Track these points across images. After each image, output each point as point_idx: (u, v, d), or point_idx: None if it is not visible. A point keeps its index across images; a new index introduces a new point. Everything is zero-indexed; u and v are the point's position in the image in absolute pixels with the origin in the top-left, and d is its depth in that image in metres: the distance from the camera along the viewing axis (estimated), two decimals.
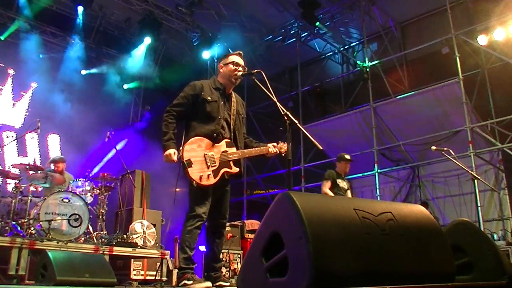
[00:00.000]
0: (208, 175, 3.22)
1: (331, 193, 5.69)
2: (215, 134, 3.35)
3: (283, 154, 3.45)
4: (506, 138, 8.08)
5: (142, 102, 11.55)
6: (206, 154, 3.27)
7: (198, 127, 3.35)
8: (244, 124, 3.68)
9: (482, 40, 8.24)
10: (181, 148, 3.26)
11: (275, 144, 3.51)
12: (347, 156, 6.05)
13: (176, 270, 6.24)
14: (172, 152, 3.25)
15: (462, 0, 9.38)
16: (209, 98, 3.41)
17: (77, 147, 8.80)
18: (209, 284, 3.17)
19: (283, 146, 3.48)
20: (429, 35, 9.34)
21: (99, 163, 9.32)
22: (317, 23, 9.80)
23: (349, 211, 1.88)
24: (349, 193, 6.03)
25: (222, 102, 3.48)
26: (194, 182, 3.17)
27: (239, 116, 3.60)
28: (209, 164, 3.25)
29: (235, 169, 3.39)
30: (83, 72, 10.19)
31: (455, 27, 8.35)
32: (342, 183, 5.87)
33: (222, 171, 3.31)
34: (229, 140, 3.42)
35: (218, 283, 3.28)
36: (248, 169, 11.57)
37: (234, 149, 3.41)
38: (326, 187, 5.74)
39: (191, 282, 3.09)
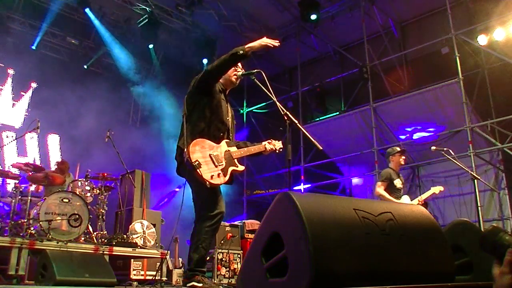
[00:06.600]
0: (218, 174, 3.17)
1: (387, 195, 5.27)
2: (221, 134, 3.35)
3: (277, 151, 3.59)
4: (506, 138, 8.07)
5: (141, 102, 11.53)
6: (211, 154, 3.21)
7: (204, 124, 3.28)
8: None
9: (482, 40, 8.22)
10: (185, 150, 3.12)
11: (269, 141, 3.59)
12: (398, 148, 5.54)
13: (177, 270, 6.28)
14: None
15: (462, 0, 9.37)
16: (217, 96, 3.39)
17: (77, 147, 8.79)
18: None
19: (277, 144, 3.60)
20: (429, 35, 9.33)
21: (98, 163, 9.30)
22: (314, 18, 9.55)
23: (349, 211, 1.88)
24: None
25: (226, 105, 3.49)
26: (207, 182, 3.06)
27: (233, 120, 3.62)
28: (216, 163, 3.20)
29: (241, 167, 3.37)
30: (83, 72, 10.18)
31: (455, 27, 8.35)
32: (399, 183, 5.42)
33: (230, 169, 3.27)
34: (228, 140, 3.42)
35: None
36: (248, 169, 11.54)
37: (235, 148, 3.41)
38: (382, 188, 5.32)
39: (201, 284, 3.01)
